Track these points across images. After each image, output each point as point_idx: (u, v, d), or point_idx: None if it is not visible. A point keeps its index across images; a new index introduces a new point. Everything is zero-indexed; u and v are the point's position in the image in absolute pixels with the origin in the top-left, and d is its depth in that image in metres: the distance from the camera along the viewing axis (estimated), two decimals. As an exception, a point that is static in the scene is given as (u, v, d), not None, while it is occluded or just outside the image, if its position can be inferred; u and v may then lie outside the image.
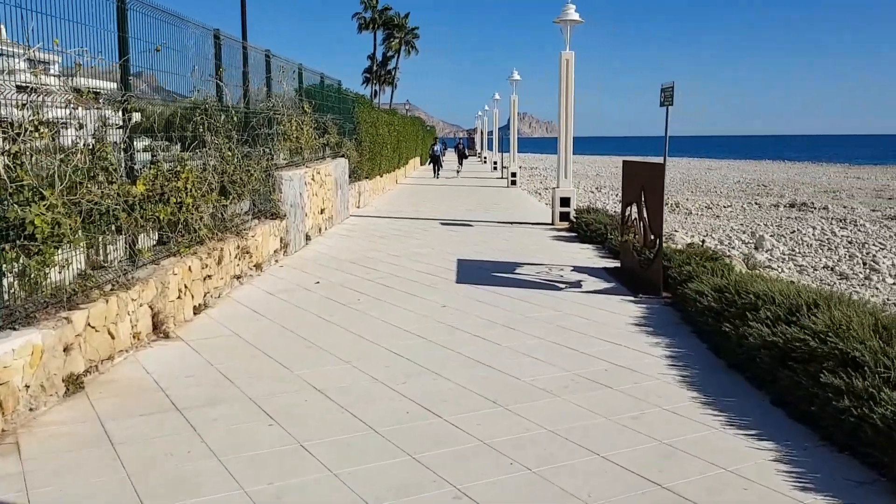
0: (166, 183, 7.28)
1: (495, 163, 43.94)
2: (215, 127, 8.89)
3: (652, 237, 8.78)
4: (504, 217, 17.87)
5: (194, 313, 7.62)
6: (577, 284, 9.36)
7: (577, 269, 10.47)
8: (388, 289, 9.07)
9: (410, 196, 24.33)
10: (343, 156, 17.78)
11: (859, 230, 20.98)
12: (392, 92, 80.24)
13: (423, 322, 7.46)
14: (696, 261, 8.72)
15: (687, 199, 29.30)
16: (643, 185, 9.10)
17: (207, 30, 9.26)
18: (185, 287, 7.48)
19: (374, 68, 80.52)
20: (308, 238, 12.77)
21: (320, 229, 14.08)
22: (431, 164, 34.36)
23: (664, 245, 8.86)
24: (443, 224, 16.30)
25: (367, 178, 21.55)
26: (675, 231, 17.95)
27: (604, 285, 9.27)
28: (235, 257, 9.08)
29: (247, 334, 6.98)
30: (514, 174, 29.73)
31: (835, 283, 13.20)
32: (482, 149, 59.59)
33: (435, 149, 34.62)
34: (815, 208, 27.42)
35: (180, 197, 7.43)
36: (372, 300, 8.47)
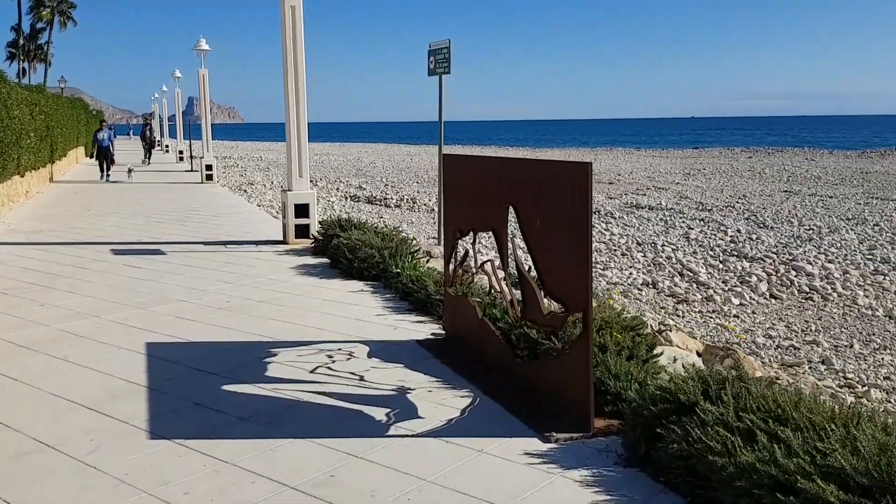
0: None
1: (181, 153, 37.18)
2: None
3: (557, 310, 4.53)
4: (210, 233, 12.59)
5: None
6: (406, 405, 4.78)
7: (373, 348, 5.91)
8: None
9: (69, 203, 17.66)
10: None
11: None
12: (46, 70, 67.42)
13: None
14: (629, 338, 4.73)
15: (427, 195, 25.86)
16: (522, 203, 4.79)
17: None
18: None
19: (21, 42, 67.07)
20: None
21: None
22: (97, 161, 24.68)
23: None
24: (117, 252, 10.65)
25: (-7, 181, 14.73)
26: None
27: (458, 401, 4.80)
28: None
29: None
30: (209, 167, 23.95)
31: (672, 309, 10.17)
32: (162, 136, 51.57)
33: (100, 137, 24.42)
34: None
35: None
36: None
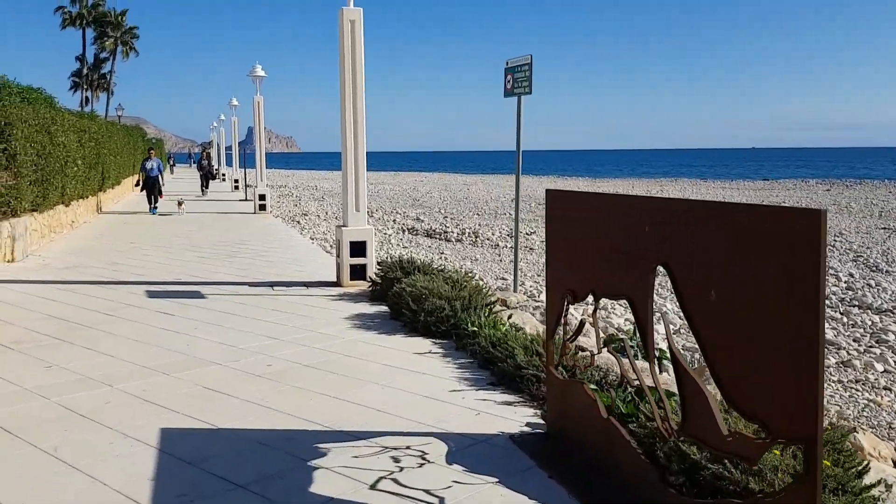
0: None
1: (237, 181, 36.64)
2: None
3: (751, 434, 3.01)
4: (258, 271, 11.36)
5: None
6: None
7: (453, 447, 4.45)
8: None
9: (113, 235, 16.74)
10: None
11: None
12: (108, 99, 68.57)
13: None
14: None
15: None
16: (682, 263, 3.30)
17: None
18: None
19: (85, 72, 68.42)
20: None
21: None
22: (144, 192, 22.32)
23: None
24: (153, 295, 9.45)
25: (33, 211, 13.85)
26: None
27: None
28: None
29: None
30: (262, 196, 23.01)
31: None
32: (219, 165, 51.47)
33: (148, 167, 22.09)
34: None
35: None
36: None
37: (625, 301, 3.89)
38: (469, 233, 20.13)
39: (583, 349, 4.57)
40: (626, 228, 3.77)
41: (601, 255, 3.98)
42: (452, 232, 20.47)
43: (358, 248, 10.01)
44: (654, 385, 3.57)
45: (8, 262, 11.89)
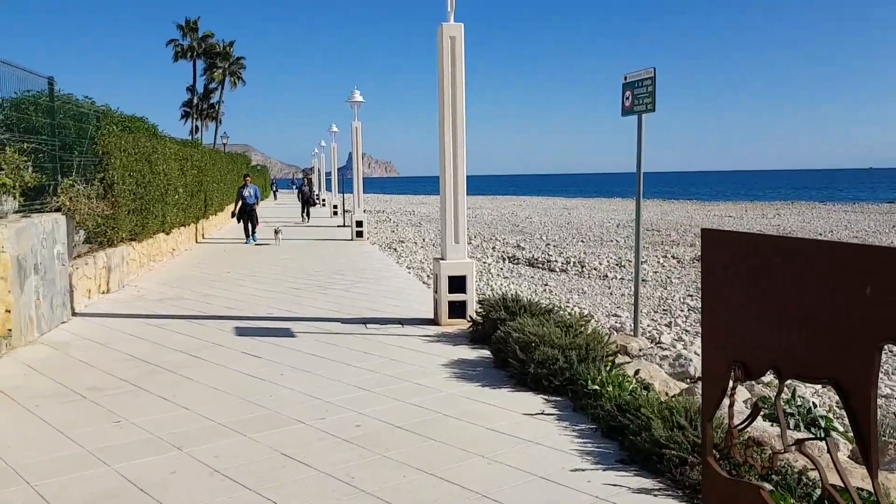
0: None
1: (335, 207, 36.72)
2: None
3: None
4: (352, 304, 10.69)
5: None
6: None
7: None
8: None
9: (210, 264, 16.56)
10: (58, 209, 10.04)
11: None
12: (216, 128, 71.03)
13: None
14: None
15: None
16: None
17: None
18: None
19: (195, 102, 71.19)
20: None
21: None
22: (240, 221, 21.29)
23: None
24: (241, 332, 8.89)
25: (132, 240, 13.74)
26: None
27: None
28: None
29: None
30: (359, 223, 22.61)
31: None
32: (320, 190, 52.12)
33: (245, 194, 21.05)
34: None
35: None
36: None
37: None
38: (574, 262, 18.99)
39: (759, 443, 3.52)
40: (832, 288, 2.73)
41: (791, 320, 2.94)
42: (556, 261, 19.37)
43: (457, 284, 9.18)
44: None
45: (103, 293, 11.70)
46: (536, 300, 8.58)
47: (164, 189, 16.22)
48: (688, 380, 7.16)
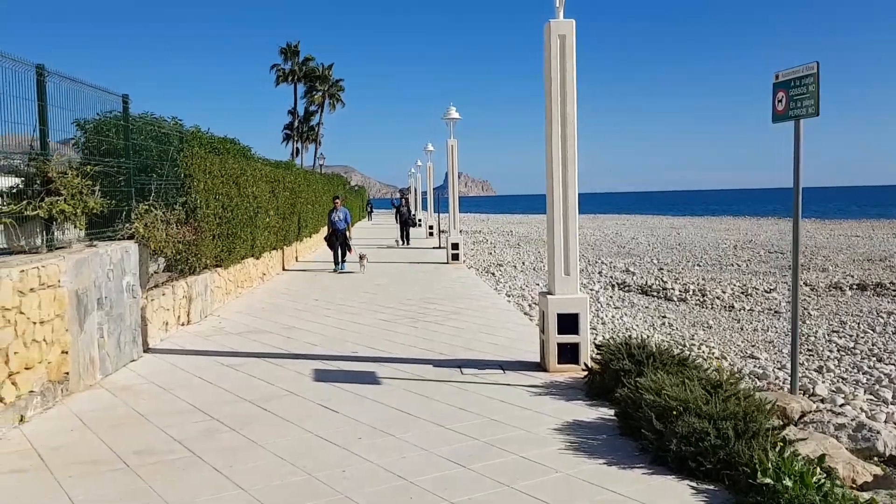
0: None
1: (431, 227, 35.83)
2: None
3: None
4: (446, 341, 9.48)
5: None
6: None
7: None
8: None
9: (300, 290, 15.74)
10: (131, 236, 9.31)
11: None
12: (316, 150, 71.98)
13: None
14: None
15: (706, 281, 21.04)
16: None
17: None
18: None
19: (296, 124, 72.47)
20: None
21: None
22: (330, 247, 19.50)
23: None
24: (319, 377, 7.81)
25: (217, 266, 13.04)
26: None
27: None
28: None
29: None
30: (455, 245, 21.43)
31: None
32: (416, 210, 51.55)
33: (335, 218, 19.27)
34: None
35: None
36: None
37: None
38: (693, 290, 17.09)
39: None
40: None
41: None
42: (672, 288, 17.49)
43: (568, 323, 7.81)
44: None
45: (182, 324, 10.94)
46: (666, 346, 7.10)
47: (254, 212, 15.56)
48: (875, 458, 5.55)
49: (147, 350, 9.27)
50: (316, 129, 72.77)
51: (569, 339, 7.80)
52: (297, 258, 22.52)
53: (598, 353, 7.20)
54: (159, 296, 10.05)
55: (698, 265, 23.46)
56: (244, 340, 9.94)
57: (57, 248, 7.50)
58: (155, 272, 10.81)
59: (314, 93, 71.66)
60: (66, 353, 7.11)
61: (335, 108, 73.29)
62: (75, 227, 7.71)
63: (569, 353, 7.80)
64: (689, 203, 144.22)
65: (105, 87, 9.08)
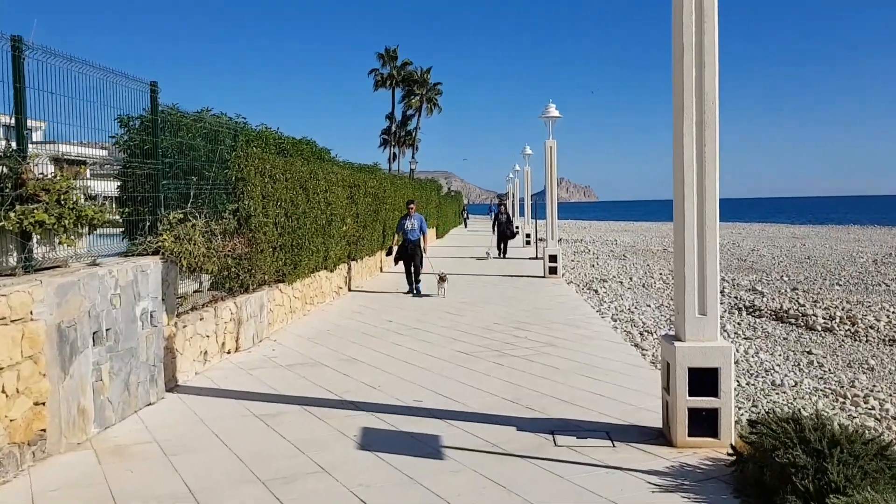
0: None
1: (528, 236, 33.71)
2: None
3: None
4: (535, 385, 7.45)
5: None
6: None
7: None
8: None
9: (375, 307, 14.01)
10: (156, 251, 7.73)
11: None
12: (413, 154, 71.03)
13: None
14: None
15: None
16: None
17: None
18: None
19: (393, 129, 71.78)
20: None
21: None
22: (399, 261, 16.37)
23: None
24: (366, 443, 5.94)
25: (279, 282, 11.46)
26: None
27: None
28: None
29: None
30: (553, 258, 19.21)
31: None
32: (514, 216, 49.41)
33: (406, 227, 16.07)
34: None
35: None
36: None
37: None
38: (840, 317, 14.21)
39: None
40: None
41: None
42: (814, 314, 14.54)
43: (704, 382, 5.64)
44: None
45: (228, 352, 9.36)
46: (855, 428, 4.85)
47: (328, 220, 13.98)
48: None
49: (174, 388, 7.69)
50: (413, 133, 71.85)
51: (705, 402, 5.63)
52: (381, 269, 20.93)
53: (752, 432, 5.01)
54: (195, 321, 8.46)
55: (838, 284, 20.25)
56: (292, 377, 8.23)
57: (42, 269, 5.95)
58: (197, 291, 9.27)
59: (412, 97, 70.81)
60: (43, 404, 5.53)
61: (432, 112, 72.21)
62: (70, 241, 6.12)
63: (704, 423, 5.64)
64: (802, 210, 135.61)
65: (133, 74, 7.54)
